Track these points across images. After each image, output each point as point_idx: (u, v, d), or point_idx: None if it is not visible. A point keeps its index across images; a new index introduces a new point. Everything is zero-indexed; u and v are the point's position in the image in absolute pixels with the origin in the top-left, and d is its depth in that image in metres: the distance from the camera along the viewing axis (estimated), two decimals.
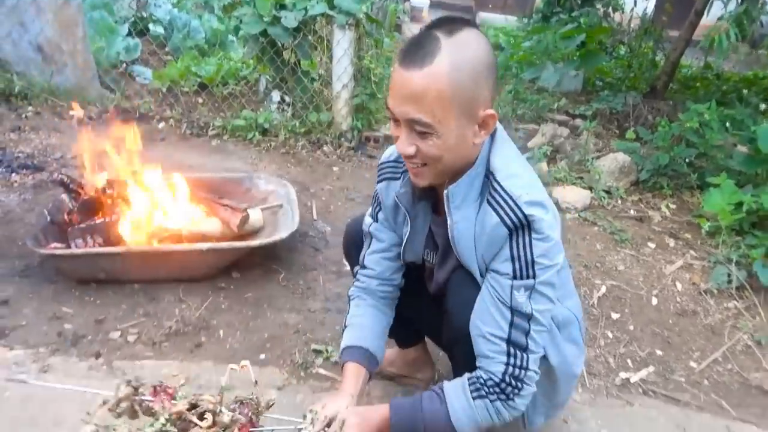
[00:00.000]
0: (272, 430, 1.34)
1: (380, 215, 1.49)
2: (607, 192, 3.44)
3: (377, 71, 3.91)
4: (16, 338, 1.89)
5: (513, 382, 1.22)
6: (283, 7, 3.67)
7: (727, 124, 3.35)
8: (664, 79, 5.55)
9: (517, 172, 1.21)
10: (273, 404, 1.36)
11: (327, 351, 1.97)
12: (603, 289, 2.57)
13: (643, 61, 6.26)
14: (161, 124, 3.82)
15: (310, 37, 3.69)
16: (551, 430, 1.74)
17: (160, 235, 2.26)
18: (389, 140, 3.91)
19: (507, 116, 4.83)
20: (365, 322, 1.48)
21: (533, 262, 1.16)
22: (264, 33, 3.67)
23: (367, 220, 1.53)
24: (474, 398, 1.25)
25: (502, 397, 1.23)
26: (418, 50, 1.09)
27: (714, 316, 2.48)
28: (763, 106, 3.76)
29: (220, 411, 1.25)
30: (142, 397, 1.28)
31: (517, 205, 1.15)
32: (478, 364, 1.26)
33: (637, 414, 1.90)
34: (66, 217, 2.23)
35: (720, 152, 3.48)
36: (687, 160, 3.48)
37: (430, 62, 1.08)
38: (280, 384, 1.82)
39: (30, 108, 3.72)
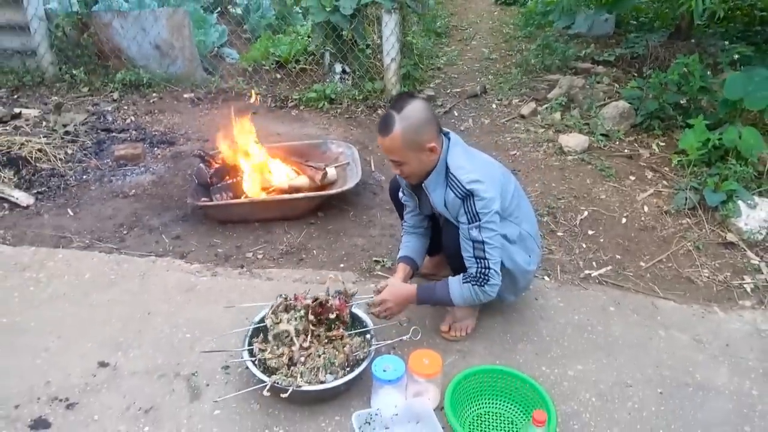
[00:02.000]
0: (355, 303, 2.39)
1: (405, 191, 2.49)
2: (606, 135, 4.23)
3: (419, 45, 4.78)
4: (192, 258, 3.05)
5: (481, 276, 2.18)
6: None
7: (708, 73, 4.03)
8: (687, 17, 5.96)
9: (462, 164, 2.15)
10: (355, 293, 2.40)
11: (383, 261, 3.02)
12: (585, 213, 3.46)
13: None
14: (252, 99, 4.89)
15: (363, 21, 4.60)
16: (525, 303, 2.70)
17: (269, 189, 3.36)
18: (432, 100, 4.84)
19: (535, 68, 5.58)
20: (411, 244, 2.55)
21: (477, 212, 2.11)
22: (327, 21, 4.63)
23: (400, 194, 2.54)
24: (463, 283, 2.24)
25: (477, 283, 2.20)
26: (384, 126, 2.09)
27: (668, 230, 3.34)
28: (737, 55, 4.34)
29: (328, 301, 2.30)
30: (289, 301, 2.33)
31: (462, 185, 2.10)
32: (466, 268, 2.24)
33: (588, 294, 2.82)
34: (208, 180, 3.36)
35: (705, 95, 4.16)
36: (675, 103, 4.19)
37: (390, 132, 2.07)
38: (354, 280, 2.89)
39: (154, 94, 4.88)
